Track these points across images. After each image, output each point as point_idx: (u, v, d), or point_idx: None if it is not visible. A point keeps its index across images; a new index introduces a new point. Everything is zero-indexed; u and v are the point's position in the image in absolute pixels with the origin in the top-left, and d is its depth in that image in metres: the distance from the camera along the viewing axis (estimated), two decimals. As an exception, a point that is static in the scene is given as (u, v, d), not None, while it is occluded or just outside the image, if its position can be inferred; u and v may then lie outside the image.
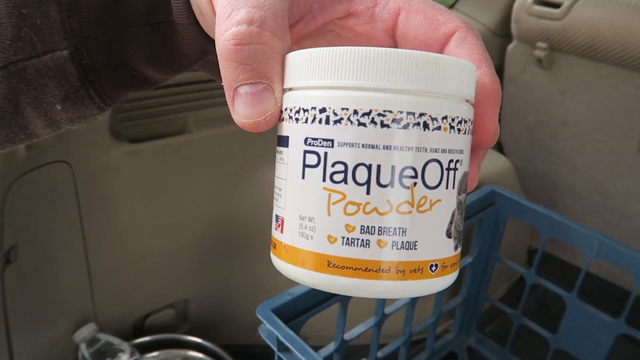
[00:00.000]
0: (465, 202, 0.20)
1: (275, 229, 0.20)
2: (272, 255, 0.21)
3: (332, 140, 0.18)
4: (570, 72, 1.04)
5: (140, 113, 0.70)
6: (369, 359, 0.73)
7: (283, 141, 0.20)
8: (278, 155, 0.21)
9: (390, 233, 0.18)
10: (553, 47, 1.04)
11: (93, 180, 0.66)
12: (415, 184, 0.18)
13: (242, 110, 0.20)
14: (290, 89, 0.20)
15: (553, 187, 1.18)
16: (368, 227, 0.18)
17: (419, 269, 0.18)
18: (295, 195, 0.19)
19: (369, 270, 0.18)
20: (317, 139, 0.18)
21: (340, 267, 0.18)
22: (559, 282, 0.79)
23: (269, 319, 0.52)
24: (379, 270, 0.18)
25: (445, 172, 0.18)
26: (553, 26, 1.01)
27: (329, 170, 0.18)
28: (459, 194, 0.19)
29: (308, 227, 0.19)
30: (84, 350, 0.72)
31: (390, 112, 0.17)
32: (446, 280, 0.20)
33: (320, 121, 0.18)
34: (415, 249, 0.18)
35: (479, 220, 0.80)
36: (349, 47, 0.18)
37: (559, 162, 1.15)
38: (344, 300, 0.60)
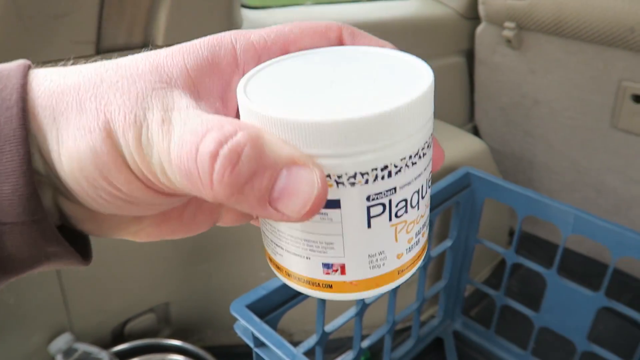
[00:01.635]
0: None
1: (327, 274, 0.22)
2: (326, 294, 0.23)
3: (394, 188, 0.20)
4: (539, 50, 1.04)
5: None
6: (353, 350, 0.72)
7: (330, 204, 0.20)
8: (319, 216, 0.21)
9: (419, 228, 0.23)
10: (521, 26, 1.03)
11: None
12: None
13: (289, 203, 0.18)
14: (328, 156, 0.19)
15: (530, 167, 1.19)
16: (419, 230, 0.22)
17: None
18: (361, 242, 0.21)
19: (416, 261, 0.23)
20: (380, 193, 0.20)
21: (406, 268, 0.22)
22: (540, 261, 0.79)
23: (243, 315, 0.50)
24: (418, 258, 0.23)
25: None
26: (520, 5, 1.00)
27: (394, 210, 0.21)
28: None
29: (379, 259, 0.21)
30: (60, 361, 0.70)
31: (411, 156, 0.20)
32: None
33: (382, 178, 0.20)
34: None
35: (456, 203, 0.79)
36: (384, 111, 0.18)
37: (534, 142, 1.15)
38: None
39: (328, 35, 0.22)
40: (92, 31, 0.59)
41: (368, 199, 0.20)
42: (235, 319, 0.92)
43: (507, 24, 1.04)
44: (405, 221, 0.21)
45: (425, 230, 0.23)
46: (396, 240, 0.21)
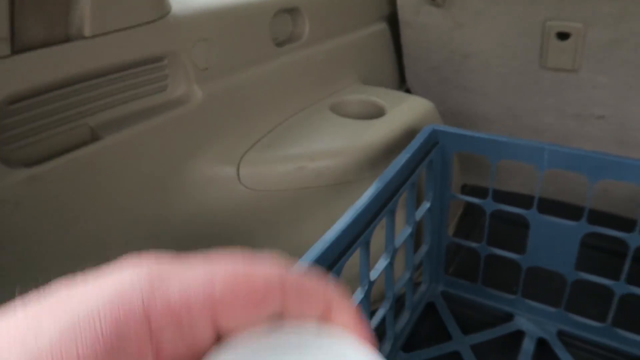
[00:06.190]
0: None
1: None
2: None
3: None
4: (463, 4, 1.06)
5: (27, 129, 0.56)
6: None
7: None
8: None
9: None
10: (442, -18, 1.04)
11: (-11, 224, 0.52)
12: None
13: None
14: None
15: (469, 120, 1.21)
16: None
17: None
18: None
19: None
20: None
21: None
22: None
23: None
24: None
25: None
26: (439, -40, 1.00)
27: None
28: None
29: None
30: None
31: None
32: None
33: None
34: None
35: (429, 163, 0.77)
36: None
37: (469, 95, 1.17)
38: (334, 277, 0.54)
39: (267, 303, 0.17)
40: (4, 26, 0.48)
41: None
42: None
43: (429, -19, 1.04)
44: None
45: None
46: None
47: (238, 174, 0.75)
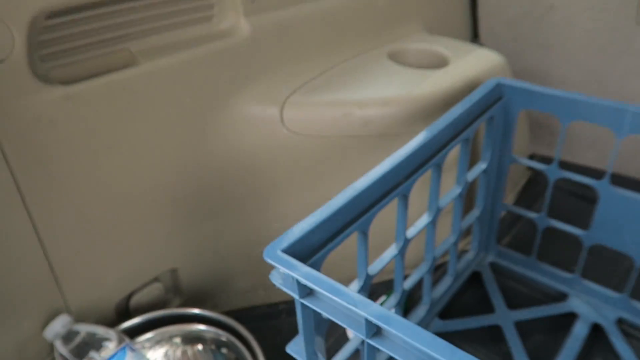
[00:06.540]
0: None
1: None
2: None
3: None
4: (551, -53, 0.94)
5: (66, 47, 0.55)
6: (394, 293, 0.63)
7: None
8: None
9: None
10: None
11: (24, 139, 0.52)
12: None
13: None
14: None
15: (545, 82, 1.09)
16: None
17: None
18: None
19: None
20: None
21: None
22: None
23: (282, 261, 0.41)
24: None
25: None
26: None
27: None
28: None
29: None
30: (60, 347, 0.60)
31: None
32: None
33: None
34: None
35: (490, 118, 0.70)
36: None
37: (548, 54, 1.06)
38: (363, 226, 0.50)
39: None
40: None
41: None
42: (253, 279, 0.81)
43: None
44: None
45: None
46: None
47: (281, 116, 0.72)
